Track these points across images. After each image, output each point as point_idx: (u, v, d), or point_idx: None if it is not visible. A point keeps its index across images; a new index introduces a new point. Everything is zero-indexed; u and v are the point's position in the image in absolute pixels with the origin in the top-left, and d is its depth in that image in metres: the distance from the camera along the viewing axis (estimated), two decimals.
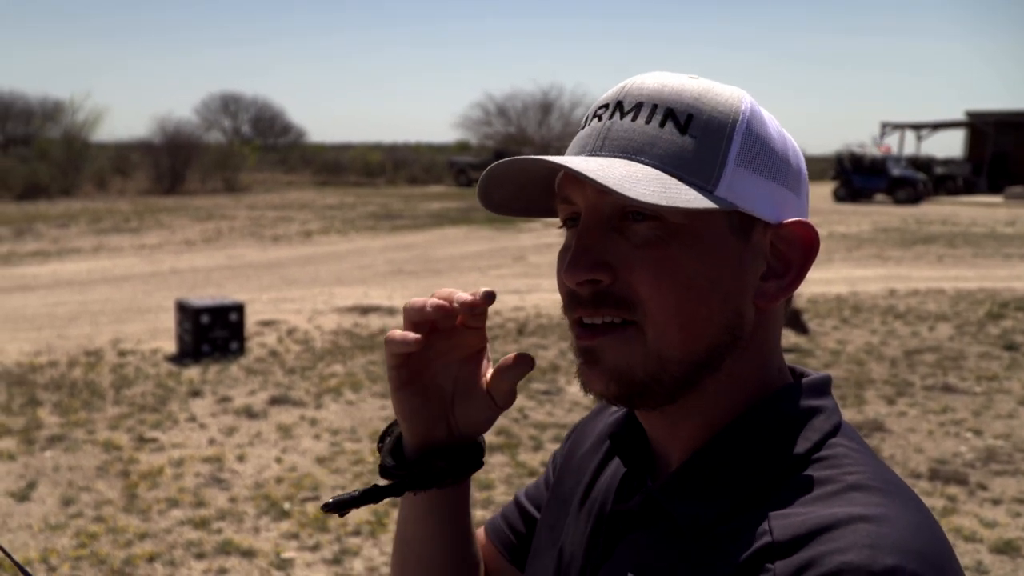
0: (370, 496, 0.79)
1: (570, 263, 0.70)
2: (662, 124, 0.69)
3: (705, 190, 0.68)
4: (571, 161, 0.67)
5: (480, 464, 0.84)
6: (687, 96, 0.70)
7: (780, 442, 0.70)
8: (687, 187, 0.67)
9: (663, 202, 0.65)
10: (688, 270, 0.68)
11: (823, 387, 0.75)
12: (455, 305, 0.76)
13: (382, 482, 0.81)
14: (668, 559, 0.69)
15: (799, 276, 0.72)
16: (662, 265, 0.68)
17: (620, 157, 0.69)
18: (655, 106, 0.70)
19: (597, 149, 0.71)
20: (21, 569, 0.73)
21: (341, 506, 0.78)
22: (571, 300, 0.72)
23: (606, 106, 0.73)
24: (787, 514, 0.64)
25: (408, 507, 0.87)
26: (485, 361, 0.82)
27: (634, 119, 0.70)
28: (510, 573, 0.95)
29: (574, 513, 0.85)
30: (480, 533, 0.99)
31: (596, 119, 0.73)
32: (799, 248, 0.72)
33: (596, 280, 0.70)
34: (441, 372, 0.81)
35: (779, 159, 0.72)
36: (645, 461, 0.80)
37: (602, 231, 0.70)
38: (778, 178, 0.71)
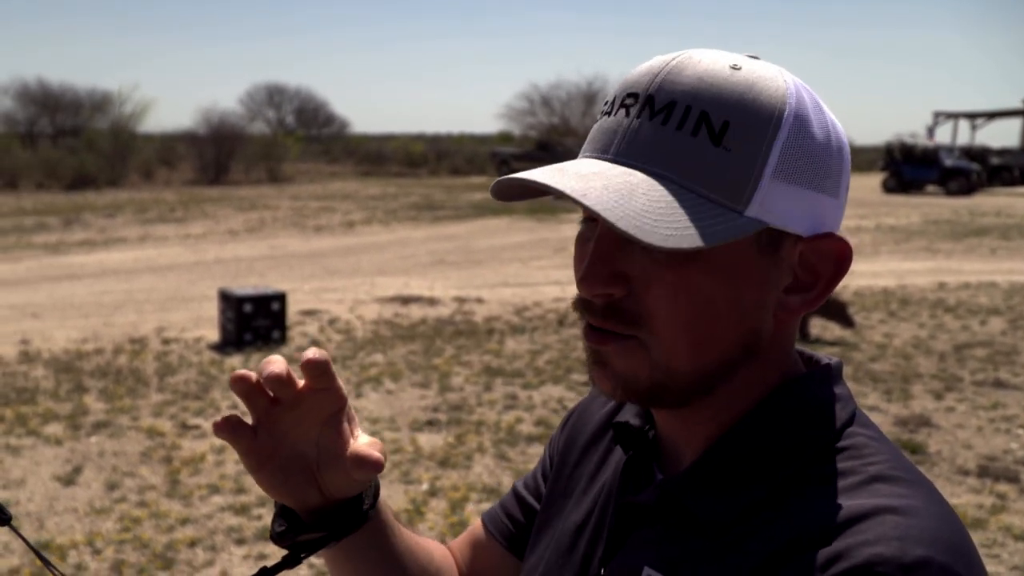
0: (266, 573, 0.75)
1: (585, 273, 0.67)
2: (695, 132, 0.63)
3: (734, 212, 0.63)
4: (583, 195, 0.62)
5: (363, 518, 0.77)
6: (727, 96, 0.64)
7: (799, 433, 0.68)
8: (711, 214, 0.62)
9: (670, 244, 0.60)
10: (707, 292, 0.65)
11: (836, 374, 0.73)
12: (262, 378, 0.69)
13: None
14: (689, 555, 0.68)
15: (825, 290, 0.69)
16: (680, 286, 0.65)
17: (643, 169, 0.64)
18: (688, 108, 0.63)
19: (620, 154, 0.65)
20: (42, 558, 0.72)
21: None
22: (582, 304, 0.70)
23: (635, 96, 0.66)
24: (813, 506, 0.63)
25: (324, 556, 0.81)
26: (346, 423, 0.74)
27: (664, 122, 0.64)
28: (510, 562, 0.93)
29: (575, 501, 0.84)
30: (476, 525, 0.98)
31: (623, 109, 0.66)
32: (830, 262, 0.68)
33: (612, 293, 0.67)
34: (300, 441, 0.73)
35: (820, 164, 0.66)
36: (651, 449, 0.78)
37: (620, 239, 0.66)
38: (817, 186, 0.66)
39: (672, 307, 0.65)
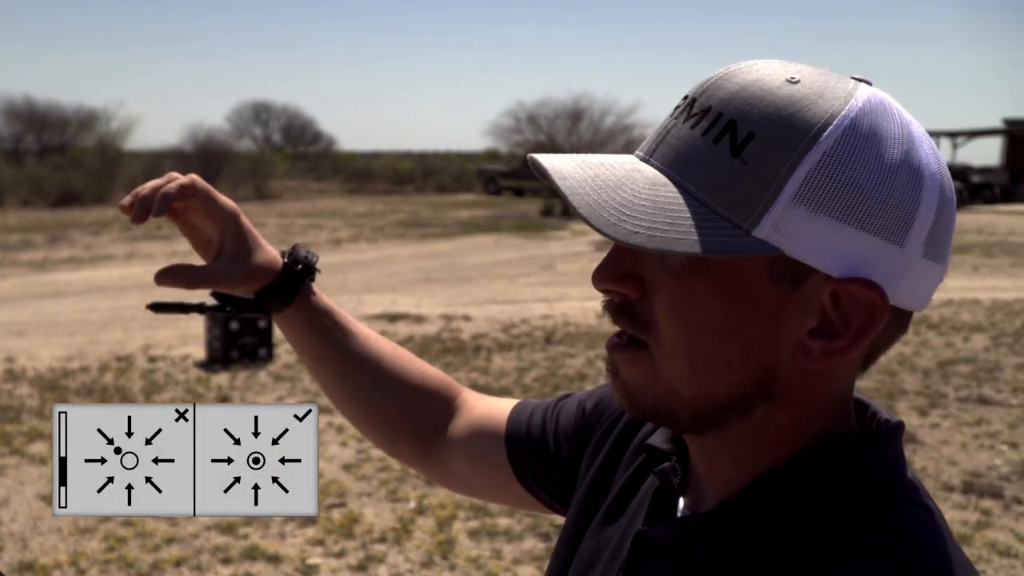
0: (185, 308, 0.98)
1: (598, 268, 0.65)
2: (717, 139, 0.60)
3: (739, 229, 0.58)
4: (563, 178, 0.62)
5: (235, 310, 0.98)
6: (764, 107, 0.59)
7: (834, 499, 0.62)
8: (707, 225, 0.58)
9: (630, 240, 0.58)
10: (708, 310, 0.61)
11: (894, 437, 0.66)
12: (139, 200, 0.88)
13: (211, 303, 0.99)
14: None
15: (854, 343, 0.60)
16: (681, 298, 0.62)
17: (660, 169, 0.63)
18: (720, 115, 0.60)
19: (651, 151, 0.64)
20: None
21: (161, 308, 0.97)
22: (605, 304, 0.68)
23: (687, 97, 0.64)
24: None
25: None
26: (241, 238, 0.94)
27: (694, 126, 0.61)
28: (500, 462, 0.97)
29: (602, 516, 0.81)
30: (507, 409, 1.00)
31: (675, 109, 0.65)
32: (861, 313, 0.60)
33: (623, 293, 0.65)
34: (212, 236, 0.94)
35: (871, 200, 0.58)
36: (681, 479, 0.74)
37: None
38: (863, 223, 0.58)
39: (672, 319, 0.62)
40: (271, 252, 0.97)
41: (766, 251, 0.58)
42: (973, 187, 32.83)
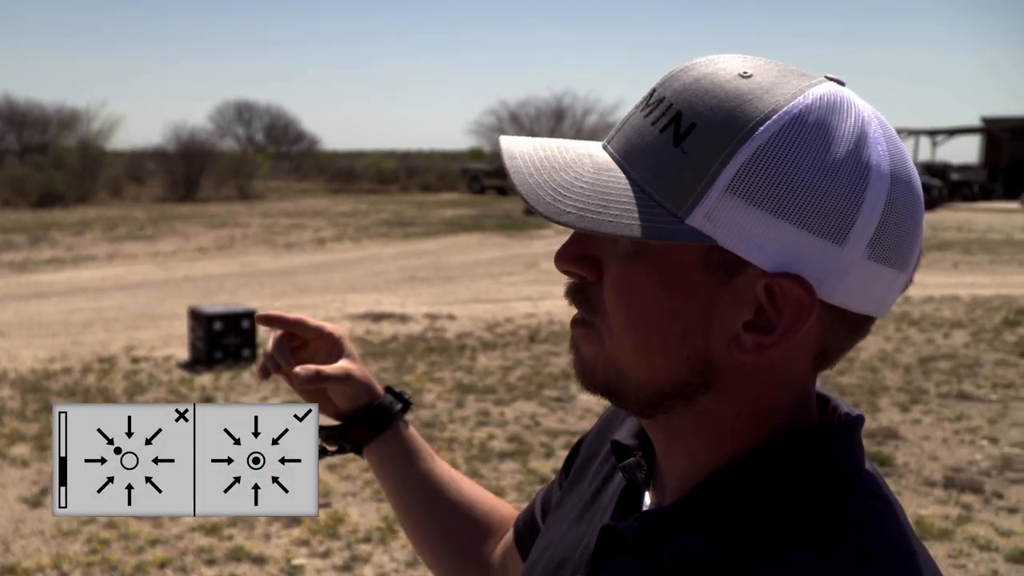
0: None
1: (560, 248, 0.67)
2: (663, 129, 0.61)
3: (673, 217, 0.59)
4: (512, 157, 0.65)
5: (340, 435, 1.01)
6: (709, 99, 0.60)
7: (793, 491, 0.62)
8: (644, 211, 0.60)
9: (561, 219, 0.60)
10: (646, 296, 0.63)
11: (853, 430, 0.67)
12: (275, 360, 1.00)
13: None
14: None
15: (783, 339, 0.60)
16: (624, 283, 0.64)
17: (612, 156, 0.65)
18: (670, 106, 0.61)
19: (611, 139, 0.66)
20: None
21: None
22: (567, 284, 0.69)
23: (651, 88, 0.65)
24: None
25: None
26: (344, 356, 1.01)
27: (647, 115, 0.63)
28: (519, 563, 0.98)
29: (576, 516, 0.83)
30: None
31: (641, 98, 0.66)
32: (790, 308, 0.60)
33: (580, 274, 0.67)
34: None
35: (807, 196, 0.57)
36: (647, 474, 0.75)
37: None
38: (797, 219, 0.58)
39: (615, 302, 0.64)
40: (371, 379, 1.05)
41: (699, 239, 0.59)
42: (952, 185, 33.15)
